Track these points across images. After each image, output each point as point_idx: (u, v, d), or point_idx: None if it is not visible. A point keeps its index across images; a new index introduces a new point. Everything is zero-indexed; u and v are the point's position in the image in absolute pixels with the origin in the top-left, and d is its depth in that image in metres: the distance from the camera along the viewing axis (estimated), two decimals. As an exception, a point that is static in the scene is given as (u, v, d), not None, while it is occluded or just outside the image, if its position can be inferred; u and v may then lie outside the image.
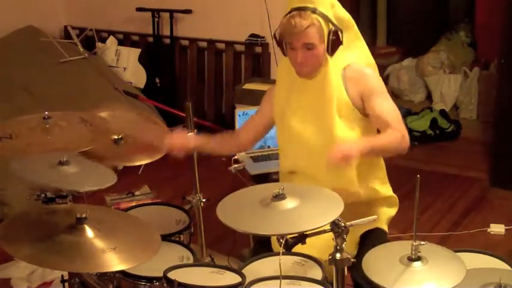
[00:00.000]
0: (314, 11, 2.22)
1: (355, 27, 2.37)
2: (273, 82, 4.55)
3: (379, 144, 2.22)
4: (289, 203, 1.79)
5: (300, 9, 2.23)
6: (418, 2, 6.38)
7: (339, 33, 2.26)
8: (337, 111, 2.30)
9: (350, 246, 2.21)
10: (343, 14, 2.33)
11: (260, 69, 4.70)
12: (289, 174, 2.47)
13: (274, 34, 2.35)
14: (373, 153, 2.25)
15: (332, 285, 1.83)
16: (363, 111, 2.31)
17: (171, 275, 1.97)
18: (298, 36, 2.23)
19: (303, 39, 2.23)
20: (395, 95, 5.70)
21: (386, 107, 2.29)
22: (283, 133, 2.46)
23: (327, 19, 2.24)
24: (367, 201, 2.41)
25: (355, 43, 2.37)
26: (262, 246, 2.39)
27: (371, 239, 2.33)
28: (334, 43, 2.25)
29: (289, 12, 2.26)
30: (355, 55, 2.36)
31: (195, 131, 2.55)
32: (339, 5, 2.33)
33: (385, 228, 2.44)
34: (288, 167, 2.47)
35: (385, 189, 2.47)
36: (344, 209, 1.79)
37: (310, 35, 2.23)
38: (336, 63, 2.30)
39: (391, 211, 2.49)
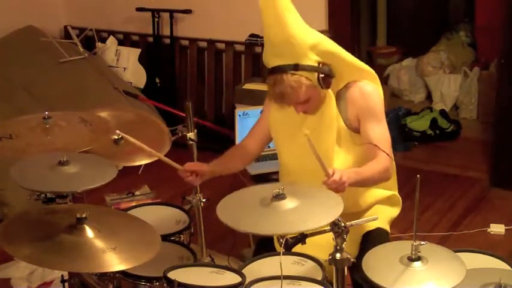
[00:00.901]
0: (295, 68, 2.13)
1: (344, 52, 2.27)
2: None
3: (367, 175, 2.19)
4: (289, 203, 1.79)
5: (281, 70, 2.14)
6: (418, 2, 6.37)
7: (328, 70, 2.19)
8: (337, 140, 2.28)
9: (351, 246, 2.22)
10: (330, 47, 2.22)
11: (260, 69, 4.69)
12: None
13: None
14: (359, 185, 2.22)
15: (332, 285, 1.83)
16: (358, 131, 2.29)
17: (171, 275, 1.97)
18: (289, 101, 2.20)
19: (295, 101, 2.20)
20: (395, 95, 5.71)
21: (377, 133, 2.25)
22: (282, 153, 2.44)
23: (311, 69, 2.15)
24: (369, 202, 2.42)
25: (349, 68, 2.28)
26: (264, 246, 2.39)
27: (372, 239, 2.33)
28: (326, 80, 2.20)
29: (270, 72, 2.17)
30: (351, 77, 2.30)
31: (195, 130, 2.55)
32: (324, 39, 2.22)
33: (387, 228, 2.44)
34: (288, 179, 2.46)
35: (390, 190, 2.48)
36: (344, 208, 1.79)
37: (301, 95, 2.17)
38: (333, 89, 2.27)
39: (393, 211, 2.49)
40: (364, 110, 2.26)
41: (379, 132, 2.26)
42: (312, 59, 2.16)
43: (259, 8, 2.16)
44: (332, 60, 2.21)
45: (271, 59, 2.19)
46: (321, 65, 2.17)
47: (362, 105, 2.26)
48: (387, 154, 2.22)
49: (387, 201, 2.47)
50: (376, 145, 2.22)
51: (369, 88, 2.29)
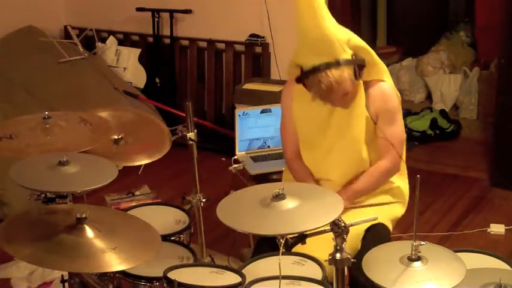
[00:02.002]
0: (337, 64, 2.22)
1: (369, 48, 2.37)
2: (273, 82, 4.57)
3: (365, 188, 2.43)
4: (289, 203, 1.79)
5: (324, 67, 2.21)
6: (418, 2, 6.37)
7: (362, 61, 2.30)
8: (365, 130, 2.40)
9: (353, 242, 2.25)
10: (359, 42, 2.34)
11: (260, 69, 4.70)
12: None
13: (298, 79, 2.31)
14: (361, 195, 2.45)
15: (332, 285, 1.83)
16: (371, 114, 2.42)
17: (171, 275, 1.97)
18: (336, 96, 2.28)
19: (341, 95, 2.29)
20: (395, 95, 5.70)
21: (391, 133, 2.41)
22: (307, 146, 2.50)
23: (349, 62, 2.25)
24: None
25: (372, 61, 2.37)
26: (263, 246, 2.40)
27: (373, 234, 2.36)
28: (360, 71, 2.29)
29: (313, 71, 2.23)
30: (374, 72, 2.40)
31: (195, 130, 2.55)
32: (353, 36, 2.33)
33: (388, 225, 2.47)
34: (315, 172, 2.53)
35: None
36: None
37: (345, 88, 2.28)
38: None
39: (397, 210, 2.53)
40: (383, 110, 2.40)
41: (393, 132, 2.42)
42: (348, 53, 2.26)
43: (296, 9, 2.23)
44: (361, 53, 2.32)
45: (310, 59, 2.25)
46: (354, 57, 2.27)
47: (381, 106, 2.40)
48: (397, 153, 2.41)
49: (391, 193, 2.53)
50: (390, 143, 2.39)
51: (389, 89, 2.42)
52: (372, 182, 2.46)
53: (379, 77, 2.41)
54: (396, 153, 2.42)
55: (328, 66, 2.22)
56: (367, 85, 2.40)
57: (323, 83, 2.23)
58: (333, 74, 2.22)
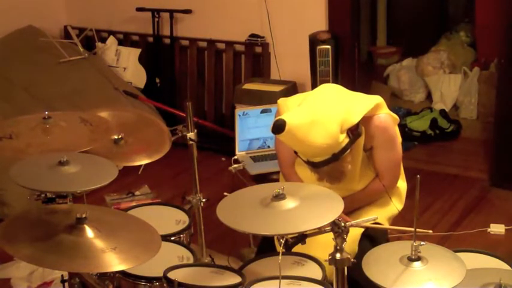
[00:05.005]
0: (336, 158, 2.20)
1: (357, 103, 2.34)
2: (273, 82, 4.57)
3: (358, 205, 2.48)
4: (289, 203, 1.79)
5: (327, 162, 2.21)
6: (418, 2, 6.37)
7: (357, 132, 2.28)
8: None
9: (350, 246, 2.23)
10: (352, 120, 2.26)
11: (260, 69, 4.70)
12: None
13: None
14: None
15: (332, 285, 1.83)
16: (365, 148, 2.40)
17: (171, 275, 1.97)
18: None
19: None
20: (395, 95, 5.71)
21: (387, 160, 2.43)
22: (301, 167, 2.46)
23: (347, 147, 2.23)
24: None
25: (365, 111, 2.33)
26: (266, 248, 2.40)
27: (369, 236, 2.36)
28: (355, 136, 2.28)
29: (313, 164, 2.23)
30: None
31: (195, 130, 2.55)
32: (344, 116, 2.23)
33: (385, 223, 2.48)
34: None
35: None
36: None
37: (354, 160, 2.32)
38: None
39: (393, 208, 2.53)
40: (381, 142, 2.39)
41: (393, 156, 2.44)
42: (344, 139, 2.21)
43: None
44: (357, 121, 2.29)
45: (310, 157, 2.24)
46: (351, 134, 2.25)
47: (379, 138, 2.38)
48: (397, 175, 2.49)
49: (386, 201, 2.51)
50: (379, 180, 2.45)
51: (386, 120, 2.38)
52: (366, 201, 2.50)
53: (374, 112, 2.36)
54: (396, 176, 2.47)
55: (330, 161, 2.20)
56: (363, 120, 2.33)
57: (333, 172, 2.25)
58: (336, 164, 2.23)
